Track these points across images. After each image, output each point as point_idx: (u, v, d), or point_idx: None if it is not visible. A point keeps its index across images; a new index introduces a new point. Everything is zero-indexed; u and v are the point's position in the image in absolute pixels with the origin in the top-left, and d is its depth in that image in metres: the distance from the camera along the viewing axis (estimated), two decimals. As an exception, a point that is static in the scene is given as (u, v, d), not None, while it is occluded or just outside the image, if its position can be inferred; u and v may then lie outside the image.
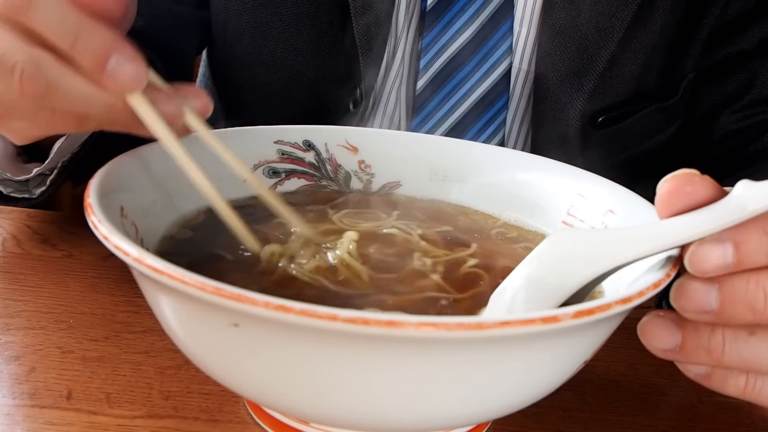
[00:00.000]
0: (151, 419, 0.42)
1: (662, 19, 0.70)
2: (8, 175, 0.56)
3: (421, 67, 0.72)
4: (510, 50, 0.71)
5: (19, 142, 0.46)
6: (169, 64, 0.72)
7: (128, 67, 0.38)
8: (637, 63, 0.72)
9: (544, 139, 0.73)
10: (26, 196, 0.59)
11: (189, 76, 0.80)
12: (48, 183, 0.58)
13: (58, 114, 0.40)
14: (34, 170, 0.55)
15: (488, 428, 0.44)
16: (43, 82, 0.38)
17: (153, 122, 0.40)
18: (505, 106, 0.73)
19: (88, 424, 0.41)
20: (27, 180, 0.58)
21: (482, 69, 0.72)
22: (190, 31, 0.78)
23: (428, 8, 0.71)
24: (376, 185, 0.56)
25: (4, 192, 0.58)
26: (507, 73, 0.72)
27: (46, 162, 0.55)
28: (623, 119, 0.74)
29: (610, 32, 0.69)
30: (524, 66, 0.72)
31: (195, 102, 0.42)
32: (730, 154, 0.75)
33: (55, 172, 0.57)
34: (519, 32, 0.71)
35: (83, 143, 0.57)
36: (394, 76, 0.73)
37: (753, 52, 0.73)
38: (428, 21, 0.71)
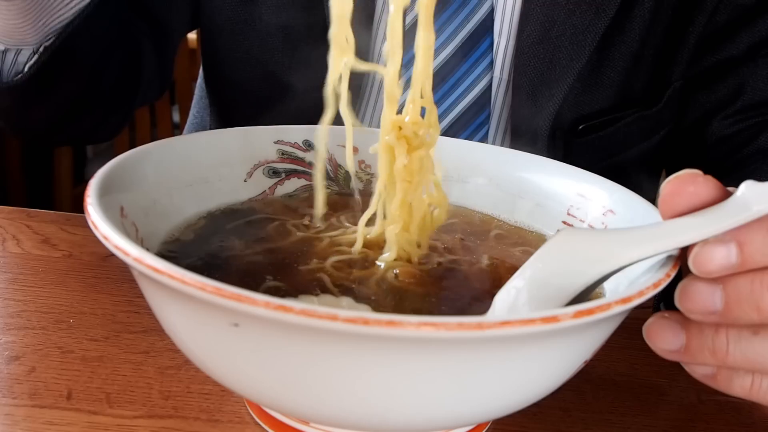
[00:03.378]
0: (151, 419, 0.42)
1: (641, 28, 0.70)
2: None
3: None
4: (490, 66, 0.72)
5: None
6: (157, 34, 0.73)
7: None
8: (617, 71, 0.72)
9: (522, 147, 0.73)
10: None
11: (173, 52, 0.80)
12: (26, 68, 0.60)
13: None
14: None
15: (488, 428, 0.44)
16: None
17: None
18: (487, 120, 0.74)
19: (88, 424, 0.41)
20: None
21: (463, 85, 0.72)
22: (182, 4, 0.78)
23: (407, 27, 0.71)
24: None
25: None
26: (488, 89, 0.72)
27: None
28: (605, 127, 0.74)
29: (582, 46, 0.69)
30: (504, 75, 0.73)
31: None
32: (724, 157, 0.75)
33: (36, 57, 0.60)
34: (498, 43, 0.72)
35: (66, 24, 0.59)
36: (370, 91, 0.73)
37: (742, 58, 0.73)
38: (407, 40, 0.71)
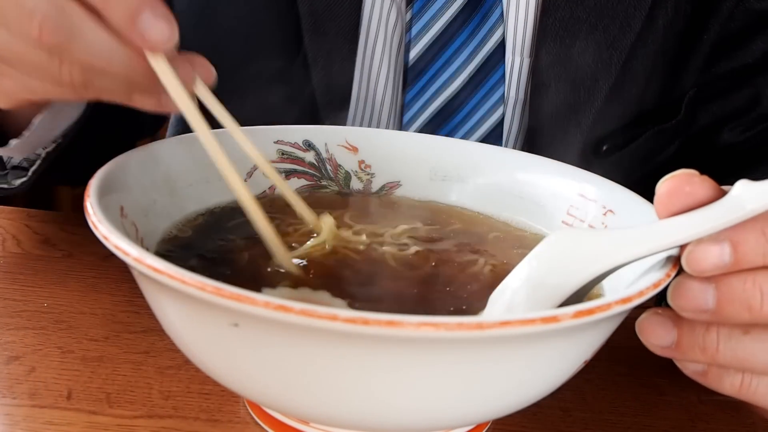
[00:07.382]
0: (151, 419, 0.42)
1: (663, 37, 0.66)
2: None
3: (405, 121, 0.68)
4: (502, 100, 0.67)
5: (5, 106, 0.43)
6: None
7: (160, 24, 0.36)
8: (639, 85, 0.68)
9: None
10: (4, 186, 0.58)
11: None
12: (30, 173, 0.57)
13: (66, 70, 0.37)
14: (13, 144, 0.52)
15: (488, 428, 0.44)
16: (65, 30, 0.35)
17: (175, 90, 0.38)
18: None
19: (88, 424, 0.41)
20: (5, 173, 0.57)
21: (474, 117, 0.68)
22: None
23: (410, 63, 0.66)
24: (376, 185, 0.56)
25: None
26: (500, 122, 0.68)
27: (24, 135, 0.52)
28: (626, 145, 0.70)
29: (608, 64, 0.64)
30: (521, 95, 0.68)
31: (200, 70, 0.41)
32: (730, 163, 0.73)
33: (38, 162, 0.56)
34: (513, 61, 0.67)
35: (64, 134, 0.56)
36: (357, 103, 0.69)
37: (757, 66, 0.70)
38: (411, 76, 0.67)
